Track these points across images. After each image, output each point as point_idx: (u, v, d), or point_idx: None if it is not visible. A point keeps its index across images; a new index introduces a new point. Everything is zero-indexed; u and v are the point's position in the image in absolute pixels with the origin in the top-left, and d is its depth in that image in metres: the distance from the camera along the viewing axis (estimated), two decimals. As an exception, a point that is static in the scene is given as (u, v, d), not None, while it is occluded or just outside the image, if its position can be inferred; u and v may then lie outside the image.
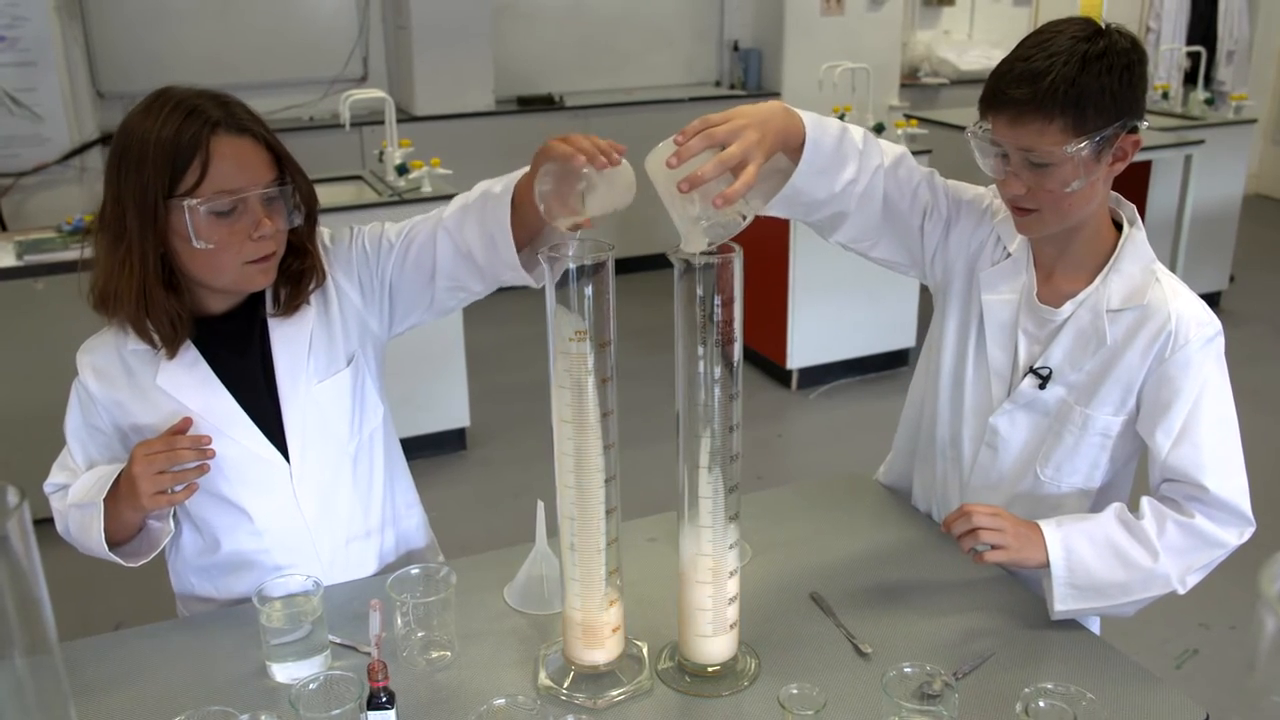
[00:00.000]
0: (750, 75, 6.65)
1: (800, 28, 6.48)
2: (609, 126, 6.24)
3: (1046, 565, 1.52)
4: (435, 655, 1.51)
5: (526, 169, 1.57)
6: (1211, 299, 5.84)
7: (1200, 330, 1.54)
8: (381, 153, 4.21)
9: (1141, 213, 5.77)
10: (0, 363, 3.52)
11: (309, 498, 1.65)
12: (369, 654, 1.39)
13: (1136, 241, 1.58)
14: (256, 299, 1.62)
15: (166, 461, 1.48)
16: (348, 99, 4.10)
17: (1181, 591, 1.54)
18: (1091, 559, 1.51)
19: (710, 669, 1.46)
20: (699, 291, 1.31)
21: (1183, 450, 1.53)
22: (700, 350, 1.34)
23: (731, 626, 1.46)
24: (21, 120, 4.54)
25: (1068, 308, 1.59)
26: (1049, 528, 1.53)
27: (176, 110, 1.46)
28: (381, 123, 4.26)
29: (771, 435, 4.41)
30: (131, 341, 1.56)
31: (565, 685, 1.44)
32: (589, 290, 1.29)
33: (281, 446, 1.63)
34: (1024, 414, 1.65)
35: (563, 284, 1.29)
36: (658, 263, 5.70)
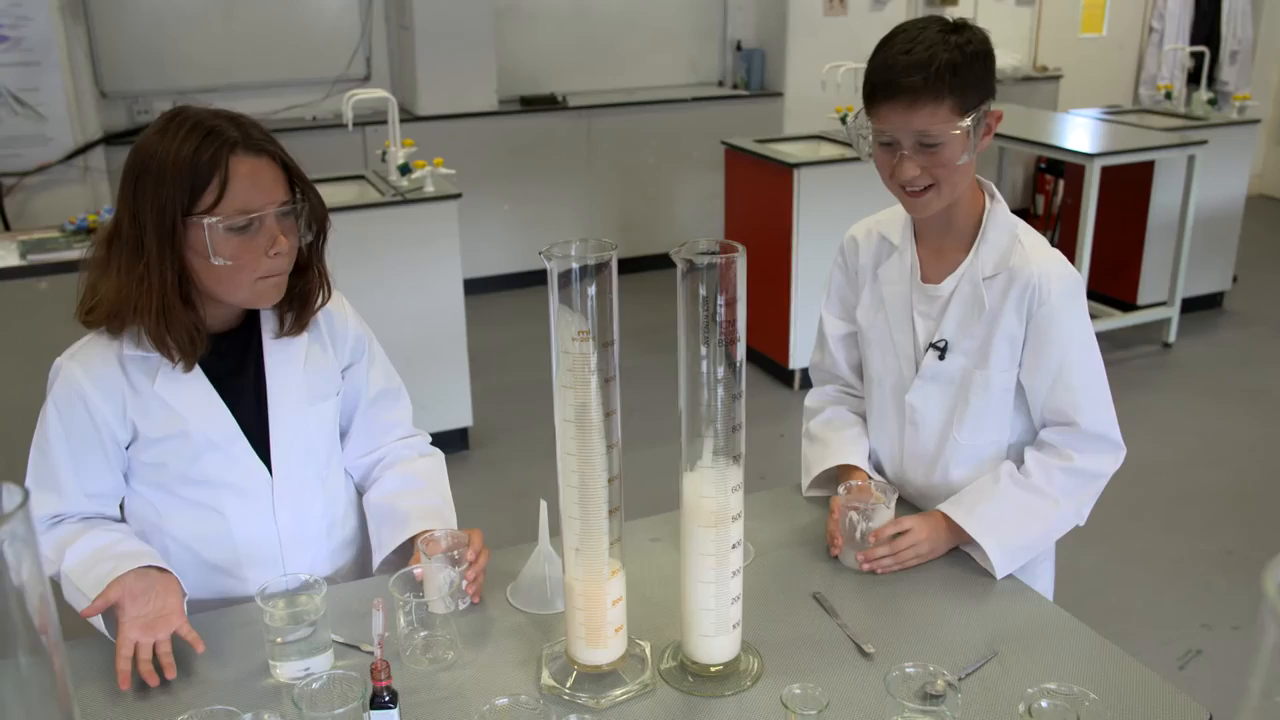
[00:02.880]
0: (753, 75, 6.64)
1: (803, 28, 6.48)
2: (612, 126, 6.25)
3: (960, 545, 1.73)
4: (438, 655, 1.51)
5: (417, 530, 1.70)
6: (1214, 299, 5.84)
7: (1060, 284, 1.69)
8: (384, 152, 4.21)
9: (1144, 213, 5.73)
10: (2, 362, 3.53)
11: (285, 510, 1.70)
12: (372, 653, 1.39)
13: (998, 213, 1.74)
14: (254, 320, 1.67)
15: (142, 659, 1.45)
16: (351, 99, 4.10)
17: (1081, 524, 1.77)
18: (1009, 525, 1.70)
19: (713, 669, 1.46)
20: (702, 291, 1.31)
21: (1057, 394, 1.72)
22: (703, 350, 1.34)
23: (734, 626, 1.46)
24: (25, 120, 4.55)
25: (949, 283, 1.75)
26: (961, 515, 1.71)
27: (194, 130, 1.49)
28: (384, 122, 4.26)
29: (774, 435, 4.41)
30: (129, 348, 1.57)
31: (568, 685, 1.44)
32: (592, 290, 1.29)
33: (265, 461, 1.67)
34: (933, 386, 1.79)
35: (566, 284, 1.29)
36: (660, 262, 5.71)
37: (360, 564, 1.83)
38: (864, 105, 1.65)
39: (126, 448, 1.63)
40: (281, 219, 1.54)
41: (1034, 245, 1.72)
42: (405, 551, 1.71)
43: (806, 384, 4.83)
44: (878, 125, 1.63)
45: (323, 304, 1.70)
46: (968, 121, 1.59)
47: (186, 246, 1.51)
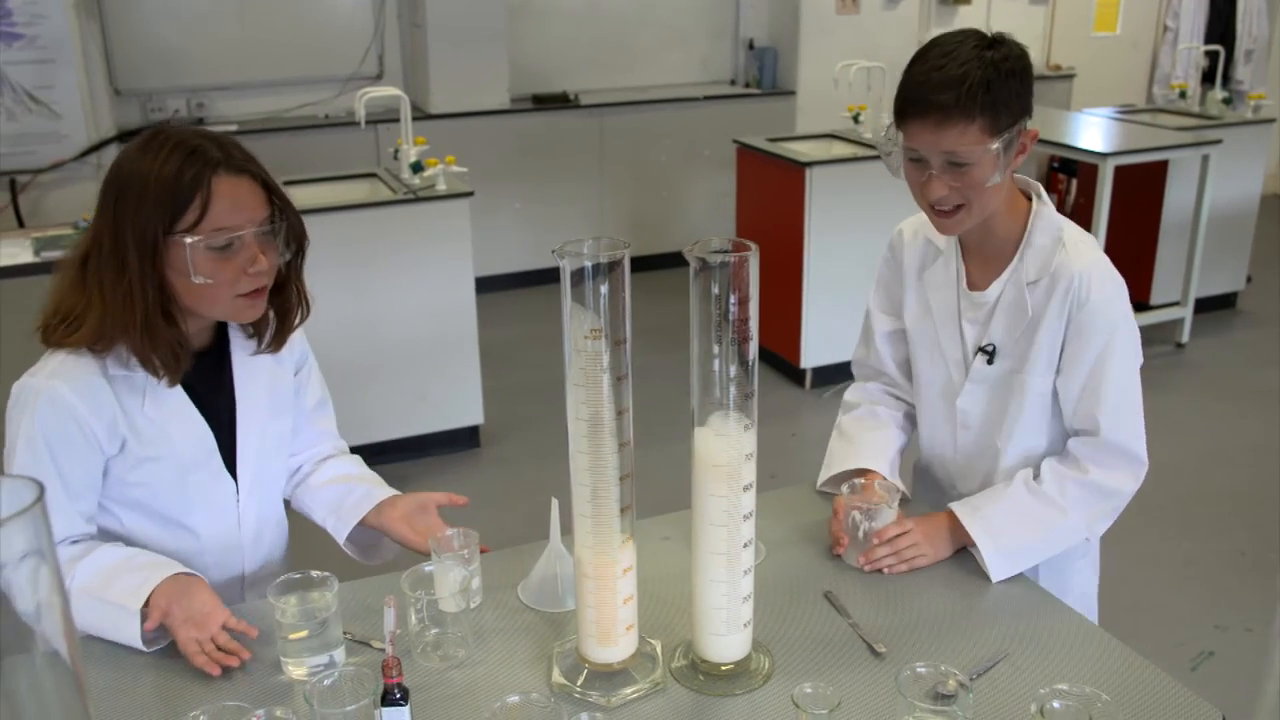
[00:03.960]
0: (765, 74, 6.63)
1: (816, 26, 6.47)
2: (623, 125, 6.25)
3: (964, 547, 1.72)
4: (449, 652, 1.51)
5: (384, 496, 1.81)
6: (1228, 299, 5.82)
7: (1101, 287, 1.66)
8: (397, 150, 4.21)
9: (1158, 213, 5.69)
10: (17, 359, 3.54)
11: (249, 521, 1.75)
12: (383, 650, 1.40)
13: (1044, 215, 1.70)
14: (226, 337, 1.70)
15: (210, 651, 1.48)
16: (363, 97, 4.11)
17: (1092, 539, 1.77)
18: (1010, 529, 1.68)
19: (724, 667, 1.46)
20: (714, 290, 1.31)
21: (1085, 399, 1.69)
22: (716, 348, 1.34)
23: (745, 625, 1.46)
24: (39, 117, 4.57)
25: (994, 288, 1.73)
26: (965, 513, 1.71)
27: (177, 150, 1.50)
28: (397, 120, 4.27)
29: (785, 434, 4.40)
30: (113, 367, 1.57)
31: (579, 683, 1.44)
32: (604, 288, 1.29)
33: (232, 473, 1.71)
34: (981, 390, 1.78)
35: (578, 282, 1.29)
36: (671, 261, 5.71)
37: (285, 558, 1.89)
38: (894, 120, 1.61)
39: (109, 459, 1.61)
40: (261, 238, 1.55)
41: (1078, 247, 1.68)
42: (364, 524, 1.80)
43: (818, 383, 4.86)
44: (908, 142, 1.59)
45: (302, 320, 1.73)
46: (998, 144, 1.55)
47: (167, 264, 1.52)
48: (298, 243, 1.62)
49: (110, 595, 1.51)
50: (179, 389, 1.62)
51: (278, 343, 1.70)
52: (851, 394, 1.99)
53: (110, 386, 1.57)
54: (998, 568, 1.67)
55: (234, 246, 1.52)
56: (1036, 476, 1.73)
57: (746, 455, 1.38)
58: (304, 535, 1.92)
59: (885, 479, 1.81)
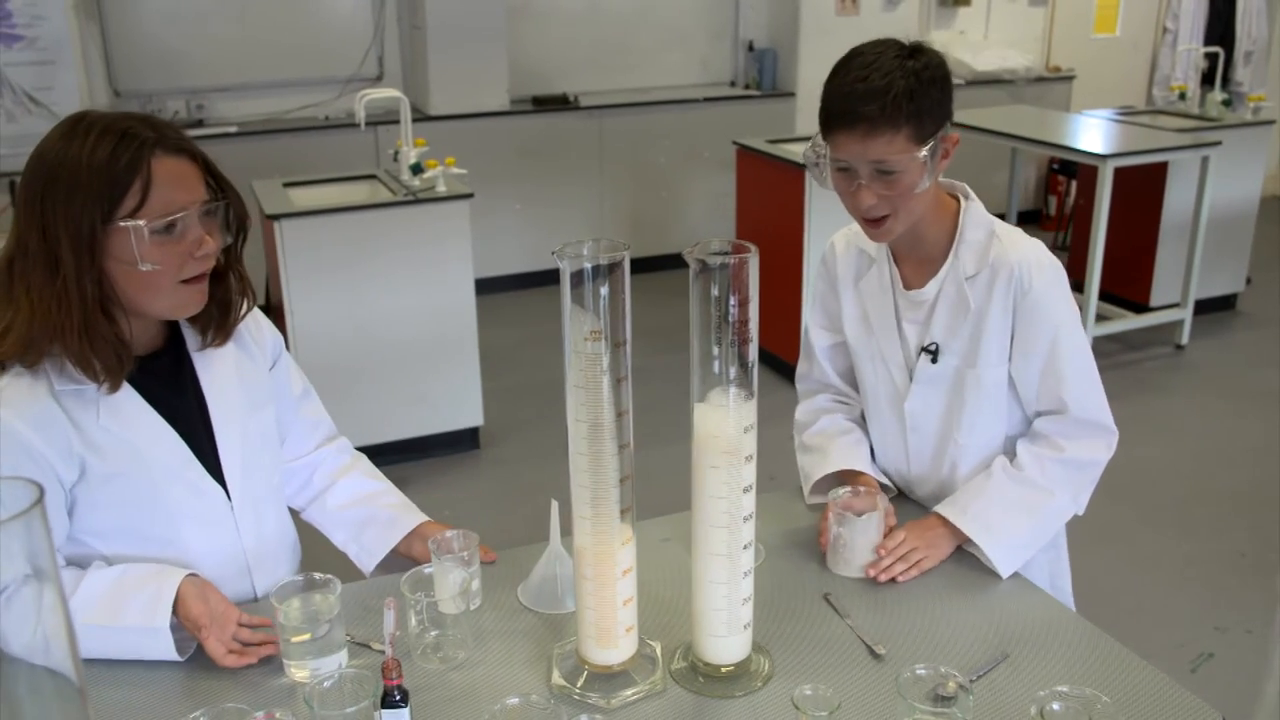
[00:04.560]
0: (765, 75, 6.64)
1: (815, 28, 6.47)
2: (623, 126, 6.25)
3: (960, 545, 1.73)
4: (449, 654, 1.51)
5: (413, 525, 1.78)
6: (1228, 301, 5.82)
7: (1041, 272, 1.69)
8: (396, 152, 4.21)
9: (1157, 214, 5.69)
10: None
11: (248, 530, 1.66)
12: (383, 652, 1.39)
13: (973, 211, 1.73)
14: (179, 337, 1.61)
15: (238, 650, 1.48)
16: (363, 98, 4.11)
17: (1080, 512, 1.77)
18: (1005, 522, 1.70)
19: (724, 669, 1.46)
20: (714, 291, 1.31)
21: (1046, 381, 1.72)
22: (715, 350, 1.34)
23: (745, 627, 1.46)
24: (39, 119, 4.57)
25: (932, 286, 1.74)
26: (955, 514, 1.72)
27: (107, 134, 1.41)
28: (397, 122, 4.26)
29: (785, 436, 4.39)
30: (59, 382, 1.47)
31: (579, 685, 1.44)
32: (604, 290, 1.29)
33: (218, 479, 1.62)
34: (929, 390, 1.79)
35: (578, 284, 1.29)
36: (671, 262, 5.71)
37: (302, 565, 1.83)
38: (821, 131, 1.63)
39: (71, 488, 1.52)
40: (205, 218, 1.48)
41: (1012, 238, 1.72)
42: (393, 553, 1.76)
43: (817, 384, 4.83)
44: (835, 153, 1.61)
45: (247, 310, 1.64)
46: (924, 151, 1.57)
47: (107, 255, 1.43)
48: (240, 223, 1.54)
49: (126, 620, 1.46)
50: (133, 394, 1.52)
51: (222, 335, 1.61)
52: (802, 413, 1.99)
53: (59, 405, 1.47)
54: (1004, 563, 1.68)
55: (178, 229, 1.44)
56: (1012, 462, 1.75)
57: (746, 458, 1.38)
58: (304, 537, 1.92)
59: (866, 480, 1.81)
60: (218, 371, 1.63)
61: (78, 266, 1.41)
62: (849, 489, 1.77)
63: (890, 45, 1.61)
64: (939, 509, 1.75)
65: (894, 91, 1.54)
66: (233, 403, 1.64)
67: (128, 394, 1.52)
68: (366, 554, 1.77)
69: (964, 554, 1.73)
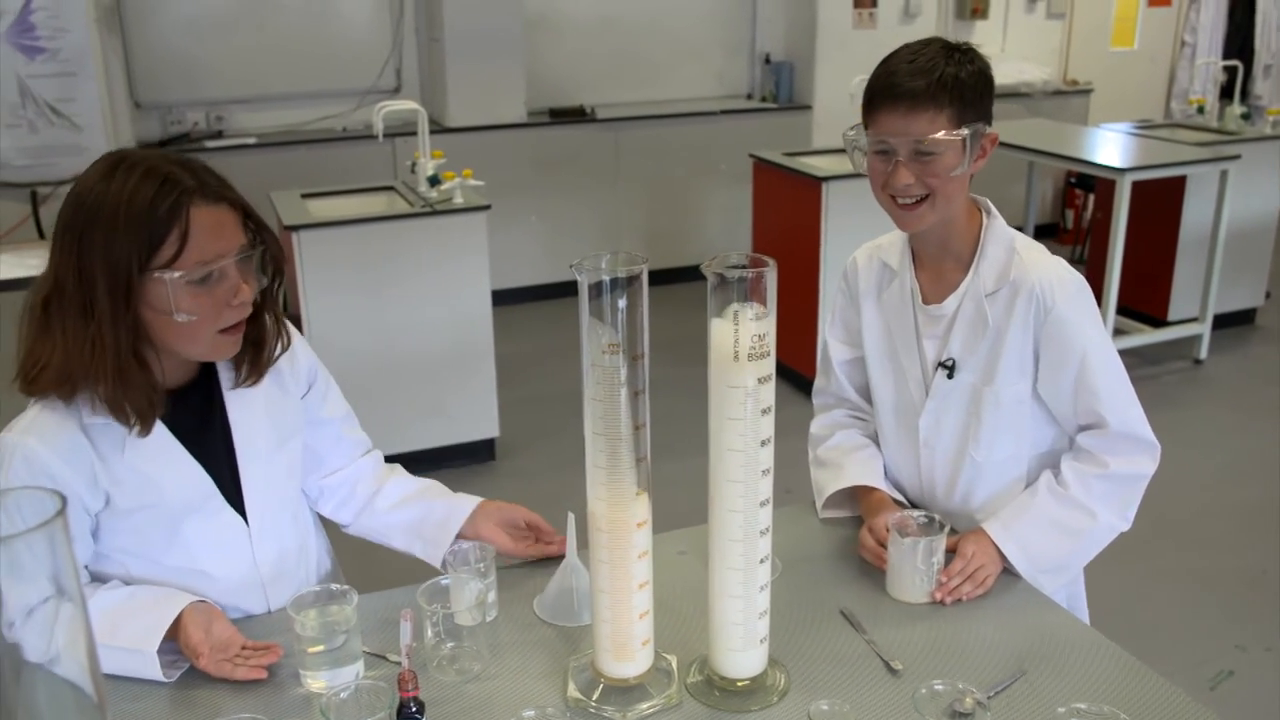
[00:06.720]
0: (782, 88, 6.64)
1: (832, 41, 6.48)
2: (640, 138, 6.26)
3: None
4: (465, 666, 1.51)
5: (471, 506, 1.78)
6: (1247, 315, 5.78)
7: (1064, 289, 1.68)
8: (414, 164, 4.23)
9: (1175, 228, 5.66)
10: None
11: (265, 555, 1.66)
12: (399, 663, 1.40)
13: (996, 227, 1.73)
14: (211, 370, 1.60)
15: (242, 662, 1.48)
16: (381, 110, 4.13)
17: (1127, 527, 1.75)
18: (1043, 545, 1.70)
19: (740, 683, 1.45)
20: (733, 304, 1.31)
21: (1082, 399, 1.71)
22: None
23: (761, 641, 1.45)
24: (61, 130, 4.60)
25: (951, 301, 1.74)
26: (997, 532, 1.70)
27: (148, 177, 1.39)
28: (414, 134, 4.28)
29: (801, 449, 4.38)
30: (90, 415, 1.47)
31: (594, 698, 1.43)
32: (622, 303, 1.29)
33: (239, 510, 1.63)
34: (944, 407, 1.79)
35: (596, 296, 1.29)
36: (688, 275, 5.71)
37: (332, 575, 1.83)
38: (862, 115, 1.66)
39: (96, 514, 1.54)
40: (241, 264, 1.47)
41: (1032, 256, 1.71)
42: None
43: (833, 397, 4.81)
44: (875, 132, 1.64)
45: (282, 351, 1.63)
46: (966, 131, 1.60)
47: (143, 303, 1.42)
48: (276, 267, 1.53)
49: (119, 640, 1.46)
50: (162, 429, 1.52)
51: (256, 374, 1.60)
52: (817, 427, 1.98)
53: (88, 437, 1.47)
54: (1043, 585, 1.70)
55: (214, 278, 1.43)
56: (1056, 478, 1.73)
57: (763, 471, 1.38)
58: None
59: (917, 512, 1.77)
60: (247, 407, 1.62)
61: (113, 313, 1.40)
62: (897, 514, 1.72)
63: (937, 40, 1.66)
64: (985, 525, 1.72)
65: (939, 72, 1.59)
66: (260, 440, 1.63)
67: (156, 430, 1.52)
68: (433, 546, 1.75)
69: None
